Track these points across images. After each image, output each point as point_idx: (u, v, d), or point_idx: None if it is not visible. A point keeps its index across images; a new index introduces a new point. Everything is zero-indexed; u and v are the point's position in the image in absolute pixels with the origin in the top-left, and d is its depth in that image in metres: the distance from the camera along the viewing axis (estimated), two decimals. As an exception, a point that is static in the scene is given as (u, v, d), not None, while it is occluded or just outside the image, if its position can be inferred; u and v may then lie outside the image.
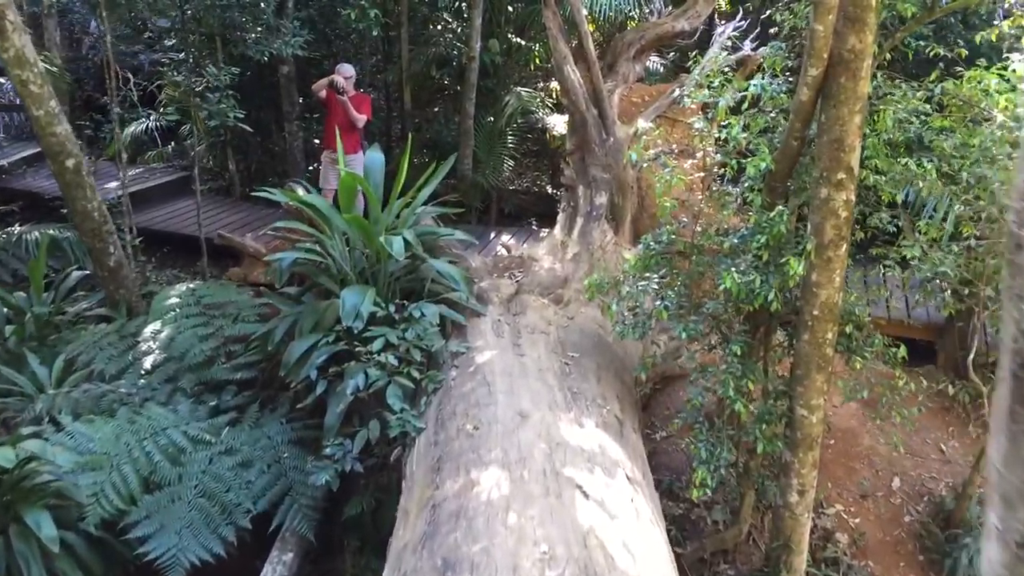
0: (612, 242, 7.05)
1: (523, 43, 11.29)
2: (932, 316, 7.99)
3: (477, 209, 11.26)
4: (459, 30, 10.98)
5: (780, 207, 4.97)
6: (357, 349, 5.22)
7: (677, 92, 7.54)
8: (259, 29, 8.82)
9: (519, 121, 11.08)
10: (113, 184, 11.31)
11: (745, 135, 5.12)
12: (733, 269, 5.12)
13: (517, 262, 6.86)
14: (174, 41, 11.11)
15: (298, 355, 5.74)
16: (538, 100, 11.44)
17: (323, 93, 9.24)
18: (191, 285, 7.37)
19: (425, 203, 6.95)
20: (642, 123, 5.72)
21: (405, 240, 5.86)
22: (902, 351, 5.26)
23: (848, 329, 5.24)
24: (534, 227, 12.19)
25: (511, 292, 6.21)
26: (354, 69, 9.25)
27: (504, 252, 7.92)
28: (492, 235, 10.70)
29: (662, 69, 10.98)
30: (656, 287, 5.20)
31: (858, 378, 5.40)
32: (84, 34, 16.61)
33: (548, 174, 14.31)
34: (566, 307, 6.38)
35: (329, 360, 5.70)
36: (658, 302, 5.19)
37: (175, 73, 10.77)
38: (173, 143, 13.02)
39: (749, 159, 5.05)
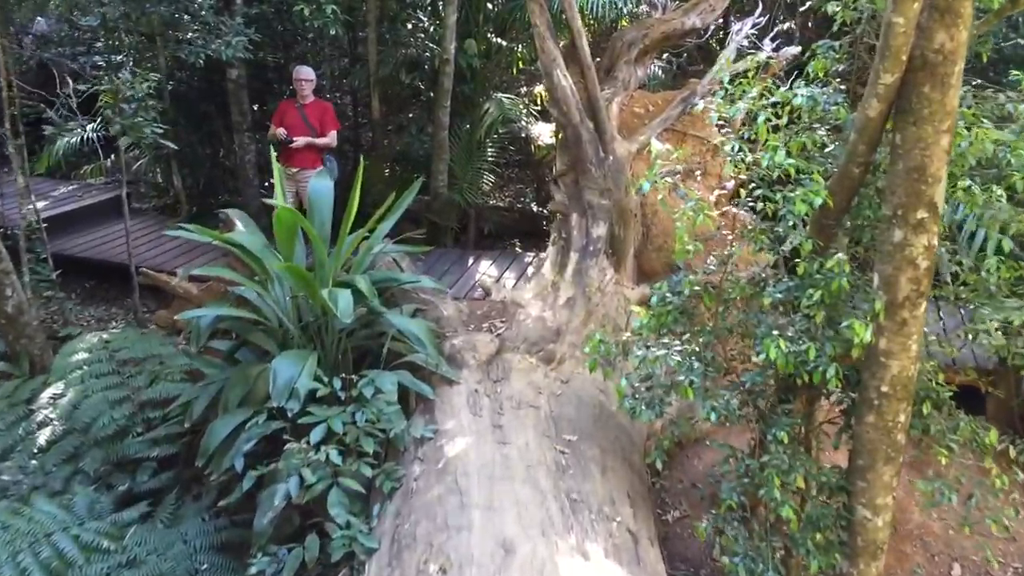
0: (612, 281, 5.90)
1: (504, 44, 10.13)
2: (980, 358, 6.91)
3: (453, 230, 10.07)
4: (432, 29, 9.79)
5: (839, 256, 3.84)
6: (288, 447, 4.02)
7: (696, 100, 6.40)
8: (195, 28, 7.60)
9: (500, 131, 9.92)
10: (40, 204, 10.04)
11: (792, 160, 3.98)
12: (776, 332, 3.99)
13: (499, 309, 5.69)
14: (106, 42, 9.85)
15: (220, 438, 4.55)
16: (521, 107, 10.28)
17: (282, 131, 7.99)
18: (104, 336, 6.14)
19: (390, 234, 5.80)
20: (656, 145, 4.56)
21: (357, 291, 4.67)
22: (992, 436, 4.14)
23: (925, 409, 4.12)
24: (518, 249, 11.02)
25: (491, 351, 5.04)
26: (312, 71, 8.10)
27: (483, 292, 6.72)
28: (470, 260, 9.52)
29: (662, 74, 9.86)
30: (678, 356, 4.04)
31: (938, 471, 4.29)
32: (23, 34, 15.30)
33: (533, 188, 13.15)
34: (559, 367, 5.22)
35: (261, 444, 4.52)
36: (680, 376, 4.03)
37: (110, 78, 9.56)
38: (113, 156, 11.73)
39: (796, 191, 3.91)
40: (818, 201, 3.84)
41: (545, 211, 11.26)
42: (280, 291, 5.18)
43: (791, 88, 4.20)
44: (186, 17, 7.87)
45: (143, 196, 11.81)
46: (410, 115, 11.82)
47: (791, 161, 3.96)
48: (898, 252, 3.78)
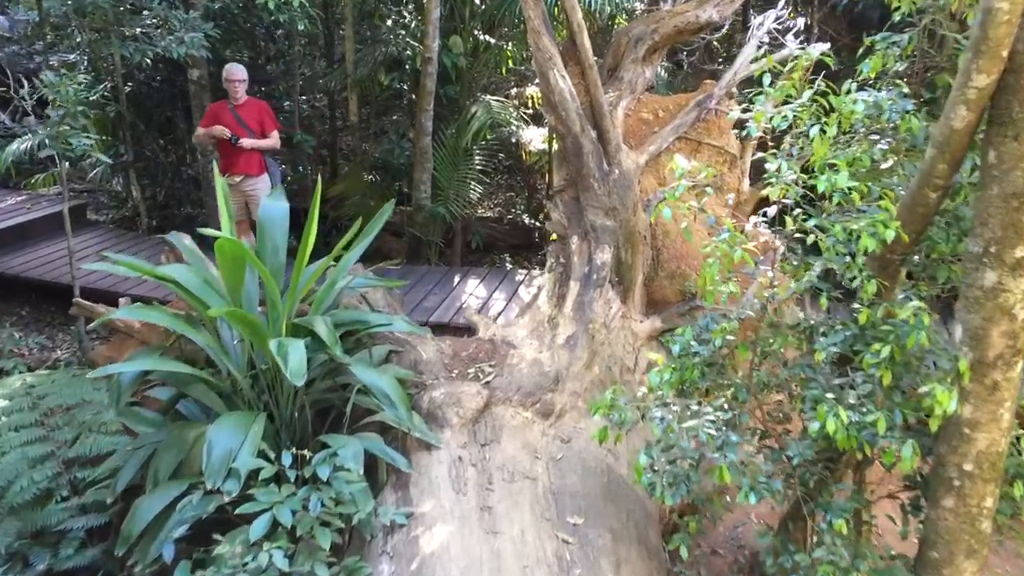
0: (619, 315, 5.11)
1: (492, 41, 9.33)
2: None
3: (438, 245, 9.25)
4: (413, 25, 8.98)
5: (914, 304, 3.06)
6: (218, 550, 3.20)
7: (712, 105, 5.62)
8: (144, 23, 6.76)
9: (488, 137, 9.12)
10: (-16, 217, 9.17)
11: (855, 183, 3.18)
12: (831, 395, 3.21)
13: (487, 349, 4.88)
14: (59, 40, 9.00)
15: (147, 520, 3.72)
16: (511, 111, 9.47)
17: (214, 131, 7.23)
18: (28, 378, 5.30)
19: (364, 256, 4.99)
20: (680, 161, 3.76)
21: (316, 338, 3.86)
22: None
23: (1017, 490, 3.34)
24: (508, 264, 10.22)
25: (478, 405, 4.23)
26: (244, 70, 7.30)
27: (469, 326, 5.90)
28: (456, 279, 8.71)
29: (664, 73, 9.07)
30: (711, 429, 3.24)
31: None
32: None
33: (523, 196, 12.36)
34: (559, 421, 4.42)
35: (198, 525, 3.70)
36: (715, 453, 3.23)
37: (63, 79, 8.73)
38: (68, 164, 10.86)
39: (860, 220, 3.13)
40: (890, 235, 3.06)
41: (537, 223, 10.46)
42: (228, 333, 4.36)
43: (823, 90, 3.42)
44: (137, 10, 7.05)
45: (102, 207, 10.95)
46: (394, 117, 11.02)
47: (854, 184, 3.17)
48: (989, 299, 3.02)
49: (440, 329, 7.77)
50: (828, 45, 5.97)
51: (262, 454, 3.47)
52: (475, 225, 9.84)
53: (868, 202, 3.25)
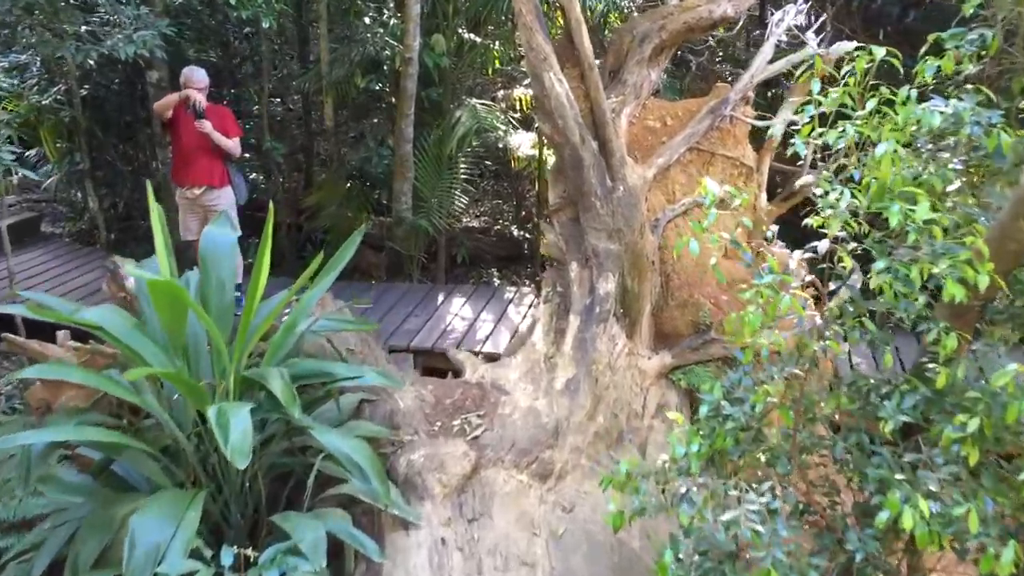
0: (625, 352, 4.47)
1: (478, 40, 8.67)
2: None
3: (420, 260, 8.59)
4: (392, 23, 8.31)
5: (1013, 367, 2.44)
6: None
7: (727, 111, 4.99)
8: (90, 19, 6.07)
9: (474, 143, 8.46)
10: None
11: (936, 215, 2.55)
12: (902, 477, 2.59)
13: (475, 395, 4.22)
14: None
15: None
16: (498, 114, 8.82)
17: (170, 113, 6.64)
18: (-56, 429, 4.61)
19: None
20: (711, 187, 3.10)
21: (271, 395, 3.19)
22: None
23: None
24: (496, 279, 9.57)
25: (465, 470, 3.58)
26: (204, 73, 6.67)
27: (457, 359, 5.24)
28: (440, 298, 8.05)
29: (664, 75, 8.42)
30: (758, 524, 2.60)
31: None
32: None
33: (511, 204, 11.72)
34: (559, 484, 3.78)
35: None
36: (760, 553, 2.60)
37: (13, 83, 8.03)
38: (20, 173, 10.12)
39: (941, 260, 2.50)
40: (983, 282, 2.43)
41: (526, 235, 9.82)
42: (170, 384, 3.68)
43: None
44: (85, 6, 6.36)
45: (59, 219, 10.23)
46: (374, 121, 10.34)
47: (934, 216, 2.54)
48: (1109, 363, 2.41)
49: (423, 355, 7.13)
50: (852, 44, 5.37)
51: (196, 553, 2.80)
52: (460, 237, 9.20)
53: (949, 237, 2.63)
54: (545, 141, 8.95)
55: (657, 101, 5.23)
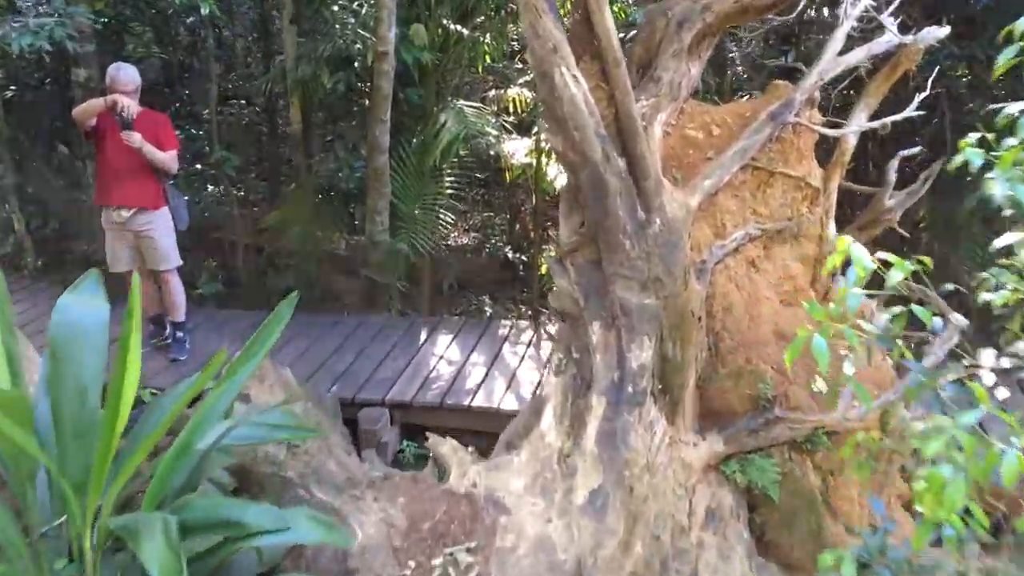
0: (665, 442, 3.33)
1: (466, 32, 7.52)
2: None
3: (400, 290, 7.42)
4: (364, 11, 7.13)
5: None
6: None
7: (790, 117, 3.86)
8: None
9: (462, 152, 7.31)
10: None
11: None
12: None
13: (464, 517, 3.06)
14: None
15: None
16: (489, 118, 7.66)
17: (93, 121, 5.52)
18: None
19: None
20: (857, 252, 2.07)
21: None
22: None
23: None
24: (487, 309, 8.41)
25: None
26: (136, 71, 5.57)
27: (440, 453, 4.05)
28: (423, 335, 6.89)
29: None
30: None
31: None
32: None
33: (504, 218, 10.58)
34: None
35: None
36: None
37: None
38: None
39: None
40: None
41: (522, 256, 8.67)
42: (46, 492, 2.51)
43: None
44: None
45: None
46: (345, 126, 9.16)
47: None
48: None
49: (401, 410, 5.98)
50: (946, 30, 4.25)
51: None
52: (447, 259, 8.02)
53: None
54: (548, 152, 7.83)
55: (699, 105, 4.08)
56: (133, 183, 5.79)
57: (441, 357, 6.54)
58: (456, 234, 9.76)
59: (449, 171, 7.33)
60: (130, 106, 5.51)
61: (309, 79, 7.64)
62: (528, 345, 6.75)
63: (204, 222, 7.72)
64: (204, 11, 5.28)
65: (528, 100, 8.67)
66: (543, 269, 8.98)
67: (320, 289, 7.80)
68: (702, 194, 3.67)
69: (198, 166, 6.94)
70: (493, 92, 9.14)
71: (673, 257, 3.46)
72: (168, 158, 5.79)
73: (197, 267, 7.86)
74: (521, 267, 8.59)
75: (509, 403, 5.81)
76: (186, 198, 6.07)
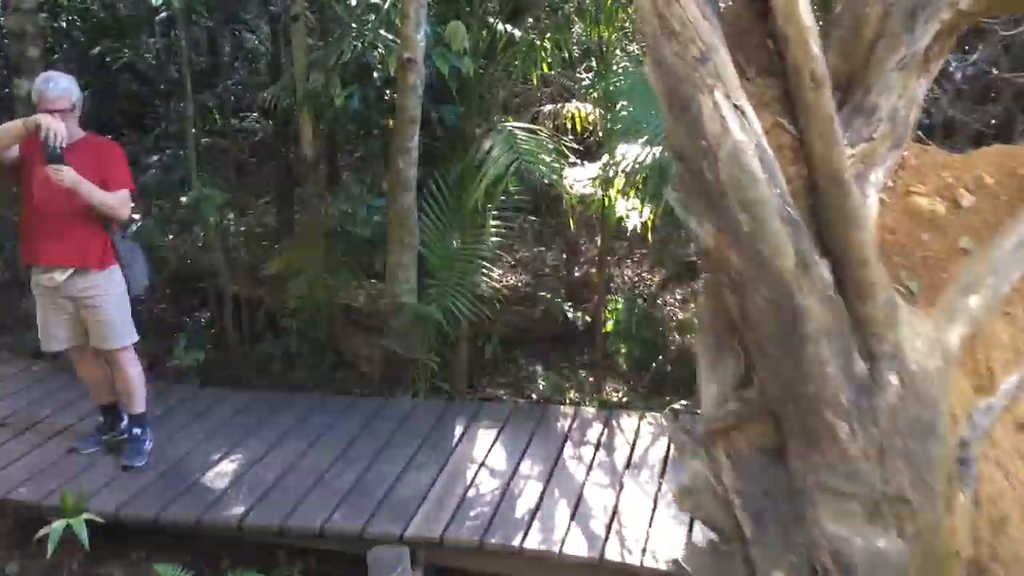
0: None
1: (518, 33, 5.94)
2: None
3: (432, 368, 5.82)
4: (387, 7, 5.57)
5: None
6: None
7: None
8: None
9: (512, 188, 5.73)
10: None
11: None
12: None
13: None
14: None
15: None
16: (546, 142, 6.06)
17: (14, 151, 4.09)
18: None
19: None
20: None
21: None
22: None
23: None
24: (540, 382, 6.78)
25: None
26: (73, 83, 4.15)
27: None
28: (459, 429, 5.30)
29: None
30: None
31: None
32: None
33: (558, 251, 8.98)
34: None
35: None
36: None
37: None
38: None
39: None
40: None
41: (586, 317, 7.05)
42: None
43: None
44: None
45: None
46: (359, 156, 7.65)
47: None
48: None
49: (427, 550, 4.40)
50: None
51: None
52: (490, 319, 6.40)
53: None
54: (619, 185, 6.22)
55: (924, 150, 2.43)
56: (69, 235, 4.37)
57: (482, 464, 4.96)
58: (498, 271, 8.14)
59: (496, 212, 5.75)
60: (58, 130, 4.05)
61: (322, 92, 6.14)
62: (597, 447, 5.14)
63: (185, 270, 6.25)
64: (172, 3, 3.78)
65: (593, 117, 7.09)
66: (608, 326, 7.37)
67: (331, 356, 6.29)
68: (966, 321, 2.02)
69: (183, 199, 5.46)
70: (548, 107, 7.54)
71: (926, 450, 1.84)
72: (116, 200, 4.34)
73: (175, 327, 6.41)
74: (580, 320, 6.99)
75: (576, 544, 4.23)
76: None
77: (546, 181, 6.82)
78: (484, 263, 5.70)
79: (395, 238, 5.33)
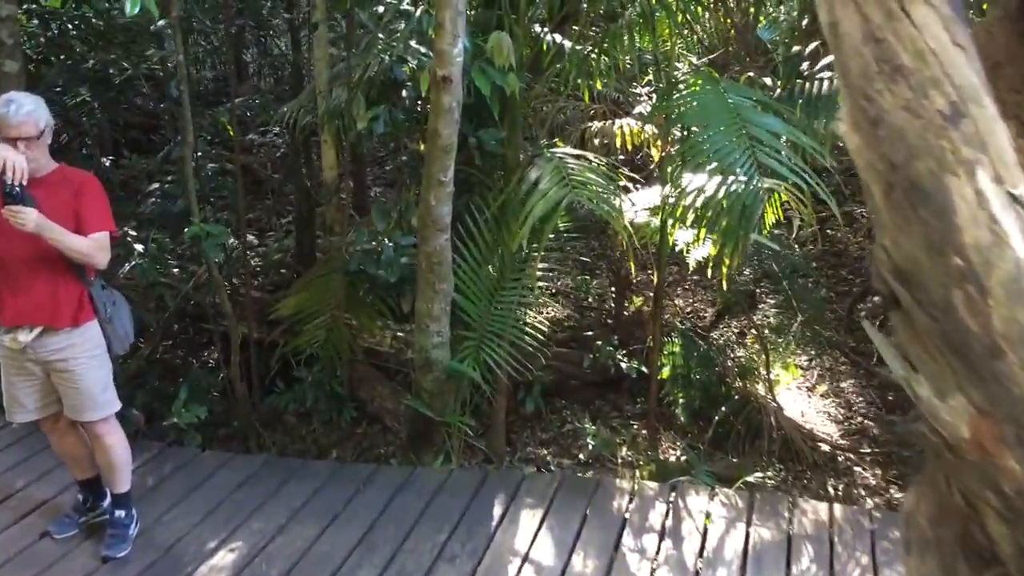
0: None
1: (568, 44, 5.16)
2: None
3: (472, 432, 5.06)
4: (420, 18, 4.81)
5: None
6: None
7: None
8: None
9: (562, 225, 4.96)
10: None
11: None
12: None
13: None
14: None
15: None
16: (600, 168, 5.27)
17: None
18: None
19: None
20: None
21: None
22: None
23: None
24: (589, 441, 5.98)
25: None
26: (41, 105, 3.41)
27: None
28: (497, 510, 4.51)
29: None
30: None
31: None
32: None
33: (604, 284, 8.19)
34: None
35: None
36: None
37: None
38: None
39: None
40: None
41: (641, 368, 6.23)
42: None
43: None
44: None
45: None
46: (384, 187, 6.90)
47: None
48: None
49: None
50: None
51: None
52: (533, 369, 5.61)
53: None
54: (680, 214, 5.45)
55: None
56: (36, 287, 3.67)
57: (525, 559, 4.18)
58: (542, 309, 7.35)
59: (544, 258, 4.97)
60: (18, 164, 3.36)
61: (343, 112, 5.43)
62: (662, 535, 4.34)
63: (189, 310, 5.57)
64: (131, 8, 3.06)
65: (647, 135, 6.30)
66: (665, 372, 6.56)
67: (352, 410, 5.56)
68: None
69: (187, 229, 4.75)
70: (597, 124, 6.74)
71: None
72: (90, 246, 3.63)
73: (181, 370, 5.73)
74: (637, 373, 6.18)
75: None
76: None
77: (596, 213, 6.04)
78: (528, 310, 4.91)
79: (425, 284, 4.57)
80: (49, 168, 3.69)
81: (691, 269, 6.76)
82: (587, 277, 8.44)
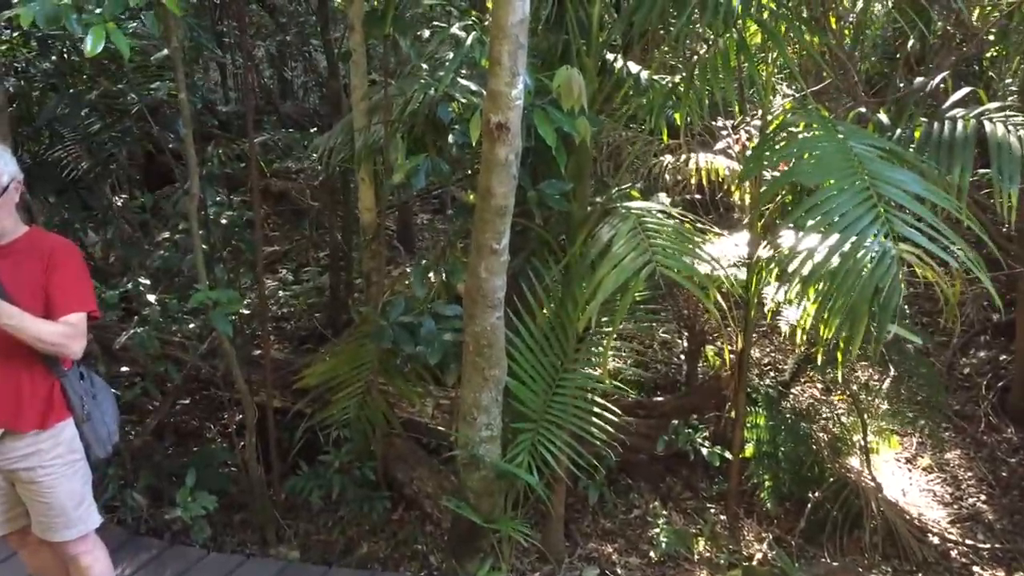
0: None
1: (644, 74, 4.35)
2: None
3: (519, 540, 4.26)
4: (472, 47, 4.04)
5: None
6: None
7: None
8: None
9: (639, 293, 4.15)
10: None
11: None
12: None
13: None
14: None
15: None
16: (678, 221, 4.43)
17: None
18: None
19: None
20: None
21: None
22: None
23: None
24: (660, 532, 5.15)
25: None
26: (7, 158, 2.70)
27: None
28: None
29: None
30: None
31: None
32: None
33: (679, 348, 7.34)
34: None
35: None
36: None
37: None
38: None
39: None
40: None
41: (720, 452, 5.36)
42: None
43: None
44: None
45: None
46: (424, 248, 6.13)
47: None
48: None
49: None
50: None
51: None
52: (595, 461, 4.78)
53: None
54: (773, 268, 4.68)
55: None
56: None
57: None
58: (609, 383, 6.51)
59: (619, 336, 4.17)
60: None
61: (378, 150, 4.70)
62: None
63: (204, 371, 4.90)
64: (91, 46, 2.35)
65: (728, 173, 5.49)
66: (749, 450, 5.70)
67: (384, 501, 4.82)
68: None
69: (197, 286, 4.06)
70: (669, 158, 5.90)
71: None
72: (59, 333, 2.92)
73: (194, 436, 5.06)
74: (718, 462, 5.32)
75: None
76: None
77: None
78: (594, 404, 4.10)
79: (473, 369, 3.78)
80: (16, 233, 3.00)
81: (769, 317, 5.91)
82: (652, 324, 7.58)
